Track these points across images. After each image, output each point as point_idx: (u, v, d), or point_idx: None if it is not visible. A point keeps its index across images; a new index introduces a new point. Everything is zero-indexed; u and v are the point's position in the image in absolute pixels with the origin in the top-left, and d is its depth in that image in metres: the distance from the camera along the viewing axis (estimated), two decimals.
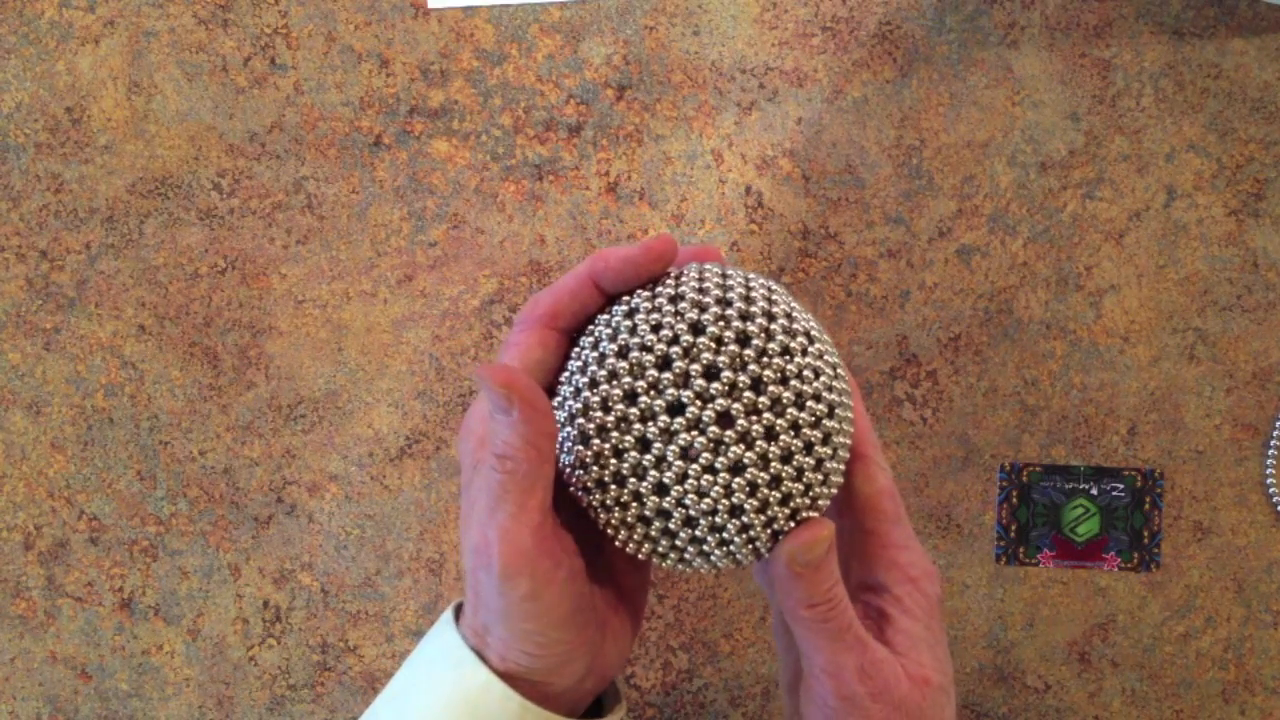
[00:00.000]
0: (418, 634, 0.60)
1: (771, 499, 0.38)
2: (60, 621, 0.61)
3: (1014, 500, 0.59)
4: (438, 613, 0.60)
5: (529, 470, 0.38)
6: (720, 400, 0.38)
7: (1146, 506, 0.58)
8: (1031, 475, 0.59)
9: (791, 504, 0.39)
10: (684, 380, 0.38)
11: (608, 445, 0.38)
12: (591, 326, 0.41)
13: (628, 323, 0.39)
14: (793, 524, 0.39)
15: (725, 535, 0.39)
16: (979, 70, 0.58)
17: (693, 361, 0.38)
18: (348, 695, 0.60)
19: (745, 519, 0.38)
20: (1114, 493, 0.58)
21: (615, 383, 0.38)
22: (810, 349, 0.40)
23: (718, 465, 0.38)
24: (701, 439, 0.38)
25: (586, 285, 0.41)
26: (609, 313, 0.40)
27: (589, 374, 0.39)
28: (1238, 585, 0.58)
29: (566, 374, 0.40)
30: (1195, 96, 0.58)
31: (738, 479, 0.38)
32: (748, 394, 0.38)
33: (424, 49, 0.59)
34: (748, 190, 0.59)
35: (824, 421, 0.39)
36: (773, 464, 0.38)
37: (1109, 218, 0.58)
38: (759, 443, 0.38)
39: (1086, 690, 0.59)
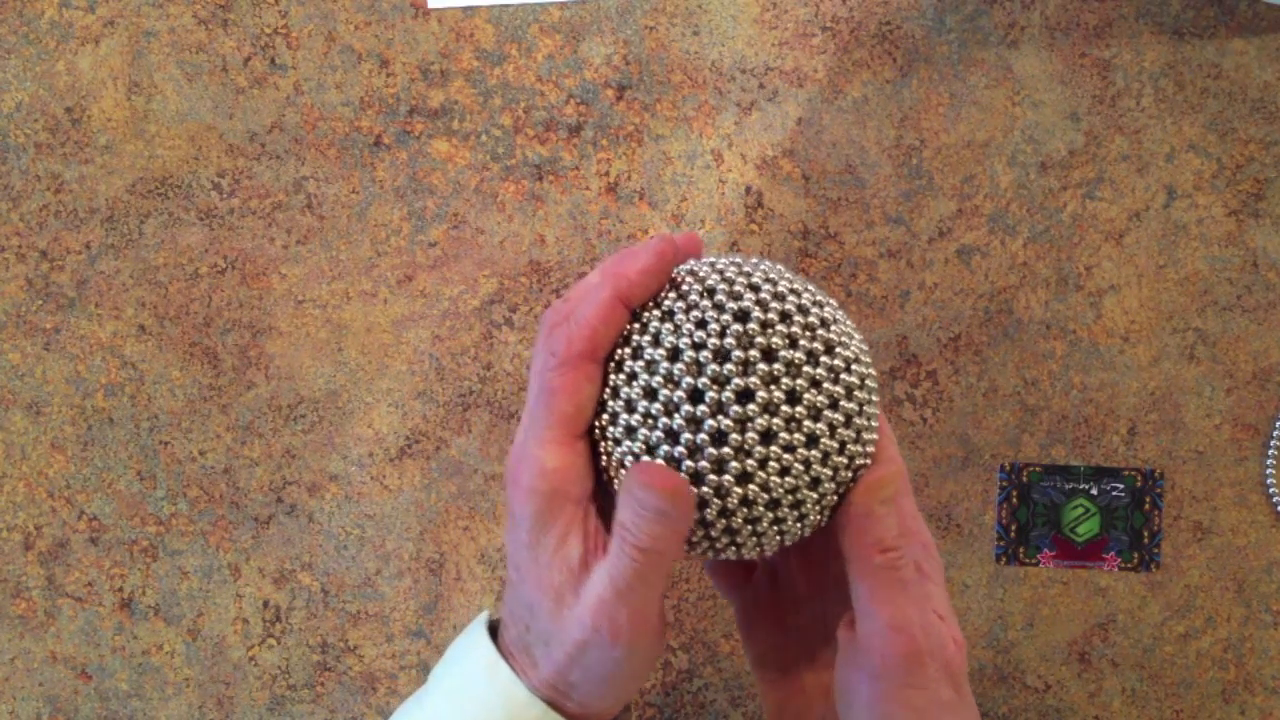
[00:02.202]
0: (418, 634, 0.60)
1: (840, 463, 0.39)
2: (60, 621, 0.61)
3: (1014, 500, 0.59)
4: (438, 613, 0.60)
5: (673, 556, 0.38)
6: (785, 380, 0.38)
7: (1146, 506, 0.58)
8: (1031, 475, 0.59)
9: (856, 463, 0.40)
10: (746, 368, 0.38)
11: (679, 448, 0.38)
12: (625, 339, 0.40)
13: (669, 325, 0.39)
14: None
15: (804, 509, 0.39)
16: (979, 70, 0.58)
17: (750, 348, 0.38)
18: (348, 695, 0.60)
19: (822, 489, 0.39)
20: (1114, 493, 0.58)
21: (675, 386, 0.38)
22: (837, 315, 0.41)
23: (795, 442, 0.38)
24: (777, 420, 0.38)
25: (616, 308, 0.40)
26: (640, 322, 0.40)
27: (641, 384, 0.39)
28: (1238, 585, 0.58)
29: (609, 390, 0.40)
30: (1195, 96, 0.58)
31: (813, 451, 0.39)
32: (806, 369, 0.39)
33: (424, 49, 0.59)
34: (748, 190, 0.59)
35: (867, 381, 0.40)
36: (839, 430, 0.39)
37: (1109, 218, 0.58)
38: (825, 413, 0.39)
39: (1086, 690, 0.59)
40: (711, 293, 0.40)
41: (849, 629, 0.41)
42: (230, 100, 0.60)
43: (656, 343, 0.39)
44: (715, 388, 0.38)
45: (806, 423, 0.38)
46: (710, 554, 0.41)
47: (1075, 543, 0.59)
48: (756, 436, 0.38)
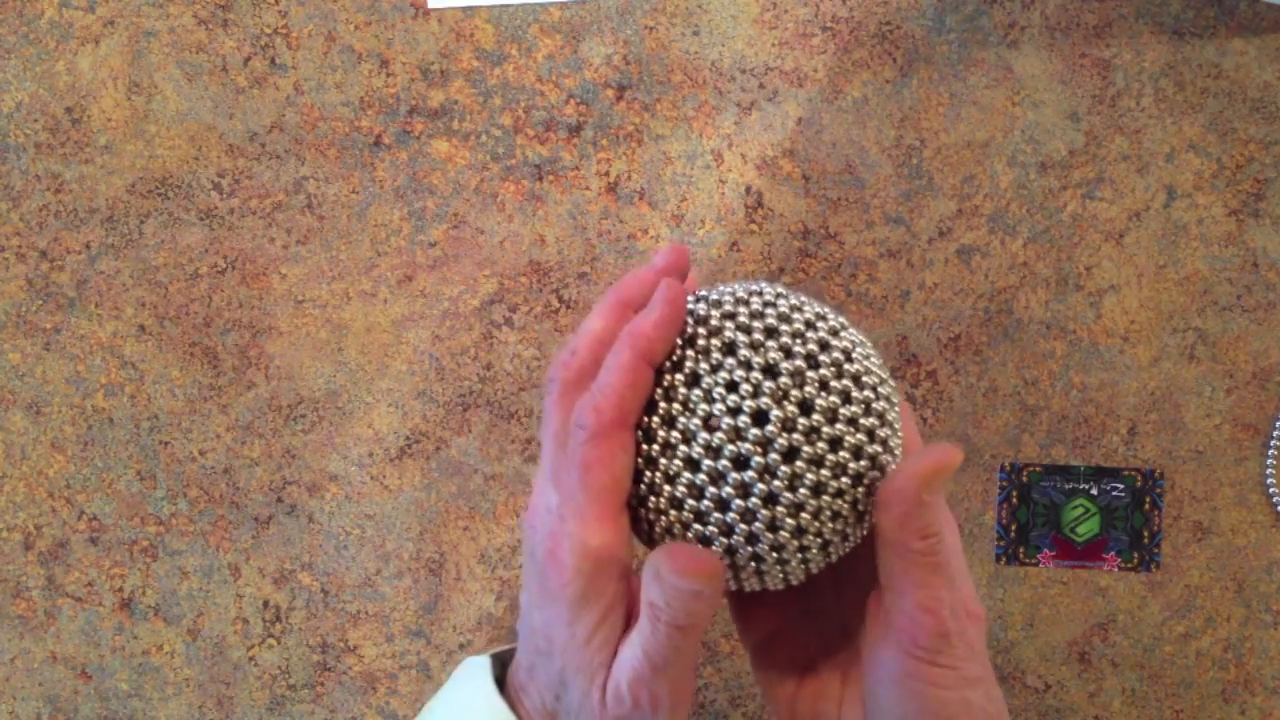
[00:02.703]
0: (418, 634, 0.60)
1: (879, 482, 0.39)
2: (60, 621, 0.61)
3: (1014, 500, 0.59)
4: (438, 613, 0.60)
5: (706, 627, 0.39)
6: (826, 429, 0.38)
7: (1146, 506, 0.58)
8: (1031, 475, 0.59)
9: (891, 469, 0.40)
10: (785, 424, 0.38)
11: (731, 514, 0.38)
12: (652, 405, 0.39)
13: (697, 391, 0.38)
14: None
15: (850, 541, 0.39)
16: (979, 70, 0.58)
17: (785, 402, 0.38)
18: (348, 695, 0.61)
19: (868, 516, 0.39)
20: (1114, 493, 0.58)
21: (718, 456, 0.38)
22: (853, 336, 0.40)
23: (843, 487, 0.38)
24: (824, 471, 0.38)
25: (641, 370, 0.39)
26: (664, 386, 0.39)
27: (681, 455, 0.38)
28: (1238, 585, 0.58)
29: (642, 459, 0.39)
30: (1195, 96, 0.58)
31: (859, 489, 0.38)
32: (843, 410, 0.38)
33: (424, 49, 0.59)
34: (748, 190, 0.59)
35: (893, 398, 0.40)
36: (880, 457, 0.39)
37: (1109, 218, 0.58)
38: (866, 448, 0.38)
39: (1086, 690, 0.59)
40: (732, 348, 0.39)
41: (878, 602, 0.40)
42: (230, 100, 0.60)
43: (688, 409, 0.38)
44: (759, 451, 0.37)
45: (851, 464, 0.38)
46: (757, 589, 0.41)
47: (1075, 543, 0.59)
48: (808, 491, 0.38)
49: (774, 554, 0.38)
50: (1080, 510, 0.59)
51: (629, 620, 0.40)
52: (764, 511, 0.38)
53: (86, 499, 0.61)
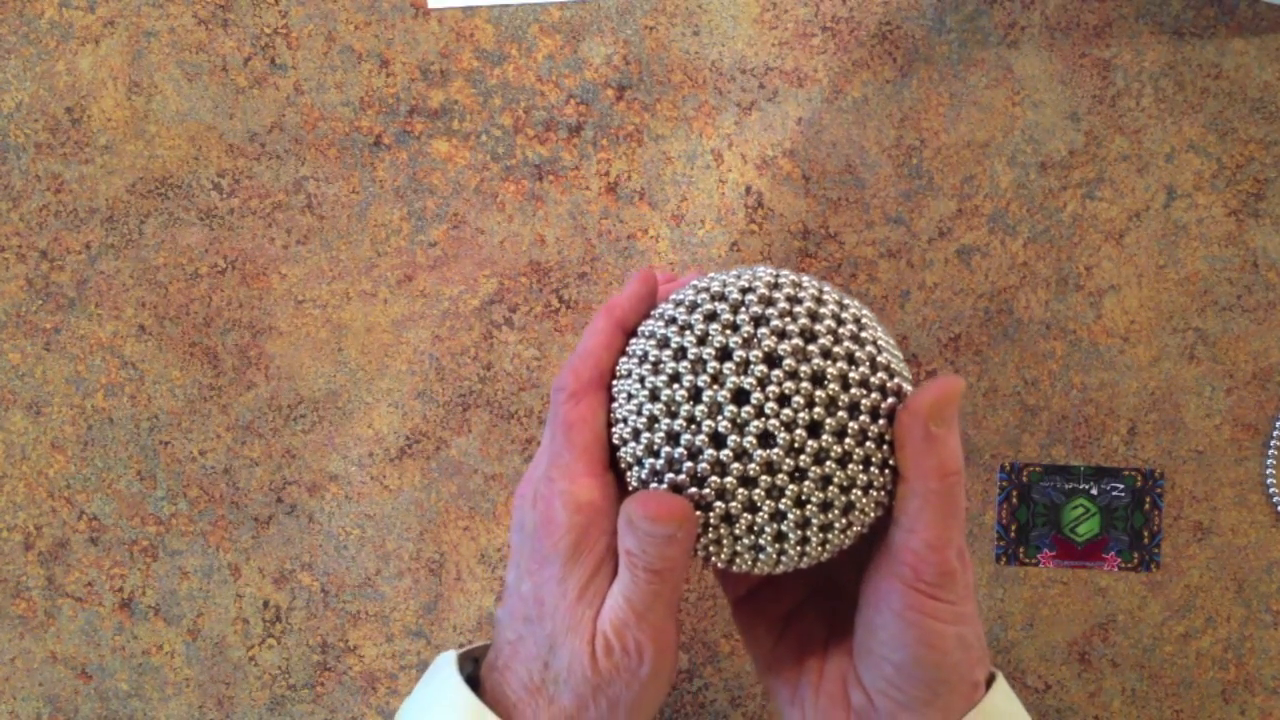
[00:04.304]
0: (418, 634, 0.60)
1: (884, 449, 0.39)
2: (60, 621, 0.61)
3: (1014, 500, 0.59)
4: (438, 613, 0.60)
5: (683, 572, 0.39)
6: (856, 388, 0.38)
7: (1146, 506, 0.58)
8: (1031, 475, 0.59)
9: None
10: (807, 399, 0.38)
11: (729, 476, 0.38)
12: (631, 372, 0.40)
13: (661, 379, 0.39)
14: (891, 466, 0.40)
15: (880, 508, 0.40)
16: (979, 70, 0.58)
17: (792, 378, 0.38)
18: (348, 695, 0.61)
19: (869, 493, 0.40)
20: (1114, 493, 0.58)
21: (736, 428, 0.38)
22: (825, 297, 0.40)
23: (871, 456, 0.38)
24: (847, 441, 0.38)
25: (615, 334, 0.41)
26: (638, 352, 0.40)
27: (663, 428, 0.39)
28: (1238, 585, 0.58)
29: (634, 428, 0.40)
30: (1195, 96, 0.58)
31: (884, 447, 0.39)
32: (852, 373, 0.39)
33: (424, 49, 0.59)
34: (748, 190, 0.59)
35: (896, 357, 0.40)
36: (880, 420, 0.39)
37: (1109, 218, 0.58)
38: (884, 401, 0.39)
39: (1086, 690, 0.59)
40: (738, 304, 0.39)
41: (883, 536, 0.41)
42: (230, 100, 0.60)
43: (654, 397, 0.39)
44: (784, 428, 0.38)
45: (875, 426, 0.38)
46: (763, 572, 0.41)
47: (1075, 543, 0.59)
48: (835, 464, 0.38)
49: (799, 529, 0.39)
50: (1080, 510, 0.59)
51: (614, 581, 0.41)
52: (791, 487, 0.38)
53: (86, 499, 0.61)
